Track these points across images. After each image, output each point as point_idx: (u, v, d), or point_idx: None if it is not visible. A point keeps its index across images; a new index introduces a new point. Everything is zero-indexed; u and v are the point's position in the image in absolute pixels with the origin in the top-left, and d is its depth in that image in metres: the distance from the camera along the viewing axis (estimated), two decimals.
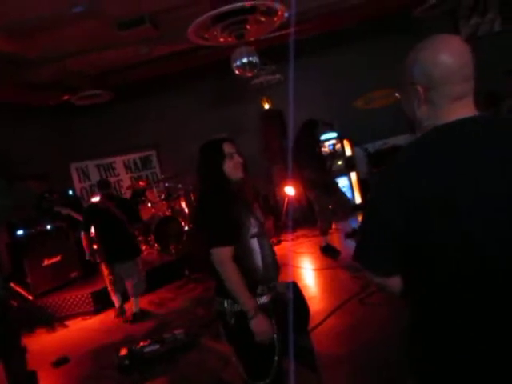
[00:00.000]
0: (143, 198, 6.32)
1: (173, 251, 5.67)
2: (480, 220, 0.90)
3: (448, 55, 0.98)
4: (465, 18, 6.82)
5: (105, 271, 4.30)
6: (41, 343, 4.11)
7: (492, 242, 0.90)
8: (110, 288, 4.33)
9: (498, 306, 0.91)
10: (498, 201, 0.90)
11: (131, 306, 4.28)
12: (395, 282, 1.07)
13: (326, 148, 7.14)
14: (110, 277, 4.25)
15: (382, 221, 1.00)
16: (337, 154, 6.82)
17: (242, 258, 1.67)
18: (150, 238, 5.96)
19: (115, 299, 4.35)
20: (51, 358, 3.57)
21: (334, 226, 5.34)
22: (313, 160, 4.87)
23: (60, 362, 3.53)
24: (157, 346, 3.26)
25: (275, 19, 4.88)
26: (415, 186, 0.94)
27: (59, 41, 4.70)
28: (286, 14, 4.75)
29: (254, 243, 1.71)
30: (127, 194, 6.66)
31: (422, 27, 5.73)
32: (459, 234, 0.91)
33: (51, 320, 4.54)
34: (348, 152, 7.21)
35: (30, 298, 4.66)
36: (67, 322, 4.56)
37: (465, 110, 1.00)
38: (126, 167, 7.59)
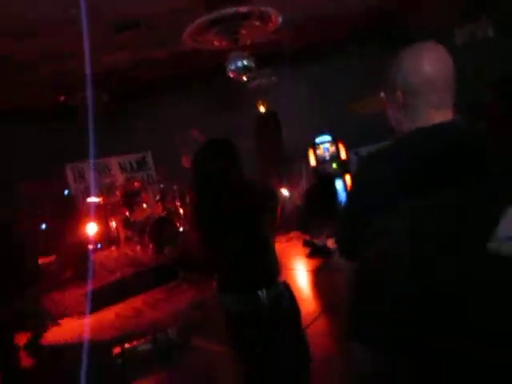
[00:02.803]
0: (138, 199, 6.36)
1: (167, 252, 5.71)
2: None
3: (429, 64, 1.01)
4: (458, 23, 6.88)
5: None
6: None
7: None
8: None
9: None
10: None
11: None
12: None
13: (321, 150, 7.23)
14: None
15: (353, 212, 1.10)
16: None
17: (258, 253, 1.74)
18: (144, 239, 6.00)
19: None
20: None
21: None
22: None
23: (54, 360, 3.58)
24: (149, 346, 3.32)
25: (270, 24, 4.97)
26: (385, 181, 0.99)
27: (55, 42, 4.74)
28: (279, 20, 4.83)
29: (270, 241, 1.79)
30: (118, 195, 6.62)
31: (416, 33, 5.80)
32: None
33: (45, 319, 4.57)
34: (343, 155, 7.29)
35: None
36: (61, 321, 4.59)
37: (441, 117, 1.02)
38: (122, 168, 7.63)
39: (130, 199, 6.32)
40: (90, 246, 5.83)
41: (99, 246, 6.36)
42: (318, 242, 5.22)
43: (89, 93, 5.25)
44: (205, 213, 1.82)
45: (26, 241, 5.06)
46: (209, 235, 1.85)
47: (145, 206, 6.32)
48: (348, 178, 7.19)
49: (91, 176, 7.32)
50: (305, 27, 5.83)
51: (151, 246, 5.85)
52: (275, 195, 2.10)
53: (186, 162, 5.00)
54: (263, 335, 1.67)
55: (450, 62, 1.04)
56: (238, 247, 1.73)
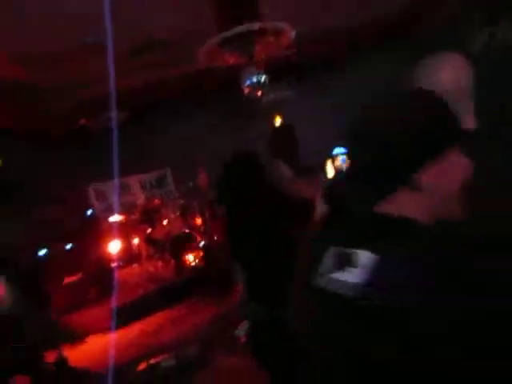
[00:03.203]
0: (158, 216, 6.46)
1: (189, 266, 5.76)
2: None
3: (448, 73, 1.03)
4: (475, 28, 6.80)
5: None
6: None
7: None
8: None
9: None
10: None
11: None
12: None
13: (339, 162, 7.20)
14: None
15: None
16: None
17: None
18: (165, 255, 6.07)
19: None
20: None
21: None
22: None
23: (81, 375, 3.64)
24: (172, 362, 3.34)
25: (284, 39, 5.04)
26: None
27: (72, 71, 4.91)
28: (293, 34, 4.90)
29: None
30: (140, 212, 6.74)
31: (435, 41, 5.77)
32: None
33: (73, 337, 4.66)
34: None
35: (52, 315, 4.81)
36: (88, 338, 4.67)
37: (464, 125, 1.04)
38: (142, 186, 7.79)
39: (151, 216, 6.43)
40: (114, 264, 5.94)
41: (121, 263, 6.48)
42: None
43: (114, 115, 5.43)
44: (237, 225, 1.84)
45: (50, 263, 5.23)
46: (239, 246, 1.87)
47: (165, 222, 6.41)
48: None
49: (113, 196, 7.49)
50: (319, 39, 5.90)
51: (172, 262, 5.91)
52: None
53: (202, 179, 5.07)
54: (289, 344, 1.67)
55: (469, 71, 1.05)
56: (268, 257, 1.73)
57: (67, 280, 5.24)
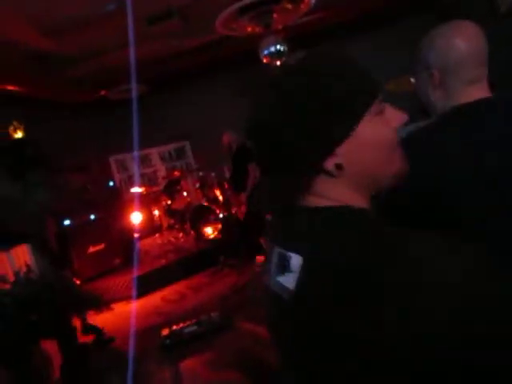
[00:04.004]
0: (178, 188, 6.55)
1: (208, 238, 5.86)
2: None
3: (463, 41, 1.02)
4: None
5: None
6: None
7: None
8: None
9: None
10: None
11: None
12: None
13: None
14: None
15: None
16: None
17: None
18: (185, 226, 6.18)
19: None
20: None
21: None
22: None
23: (107, 341, 3.81)
24: (195, 327, 3.46)
25: (302, 6, 4.90)
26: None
27: (93, 38, 4.91)
28: (312, 1, 4.75)
29: None
30: (162, 184, 6.91)
31: (454, 7, 5.54)
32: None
33: (98, 303, 4.85)
34: None
35: (78, 282, 5.00)
36: (113, 305, 4.85)
37: (479, 92, 1.03)
38: (162, 158, 7.87)
39: (171, 188, 6.53)
40: (136, 234, 6.09)
41: (143, 234, 6.65)
42: None
43: (133, 86, 5.44)
44: None
45: (75, 232, 5.38)
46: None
47: (185, 194, 6.50)
48: None
49: (134, 167, 7.61)
50: (338, 4, 5.71)
51: (192, 232, 6.02)
52: None
53: (226, 139, 5.03)
54: None
55: (483, 38, 1.04)
56: None
57: (92, 249, 5.41)
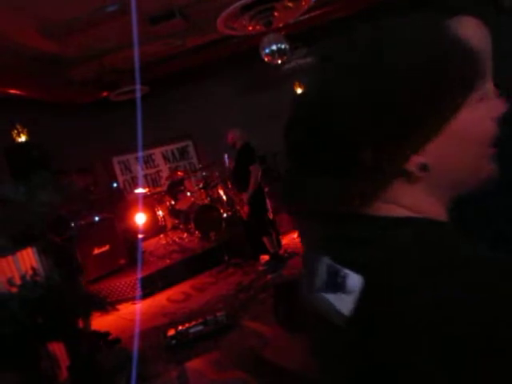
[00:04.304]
0: (182, 188, 6.55)
1: (212, 238, 5.86)
2: None
3: (471, 33, 1.01)
4: None
5: None
6: (95, 325, 4.42)
7: None
8: None
9: None
10: None
11: None
12: None
13: None
14: None
15: None
16: None
17: None
18: (190, 226, 6.18)
19: None
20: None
21: None
22: None
23: (113, 342, 3.82)
24: (200, 327, 3.46)
25: (303, 3, 4.88)
26: None
27: (95, 39, 4.93)
28: None
29: None
30: (165, 185, 6.91)
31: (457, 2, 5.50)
32: None
33: (104, 304, 4.86)
34: None
35: (84, 285, 5.01)
36: (118, 306, 4.86)
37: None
38: (165, 158, 7.87)
39: (174, 188, 6.53)
40: (140, 235, 6.10)
41: (148, 234, 6.66)
42: None
43: (137, 86, 5.43)
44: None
45: (80, 234, 5.39)
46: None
47: (188, 194, 6.50)
48: None
49: (137, 168, 7.62)
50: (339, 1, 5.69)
51: (197, 232, 6.02)
52: None
53: (230, 137, 5.01)
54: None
55: (487, 33, 1.03)
56: None
57: (96, 251, 5.42)
